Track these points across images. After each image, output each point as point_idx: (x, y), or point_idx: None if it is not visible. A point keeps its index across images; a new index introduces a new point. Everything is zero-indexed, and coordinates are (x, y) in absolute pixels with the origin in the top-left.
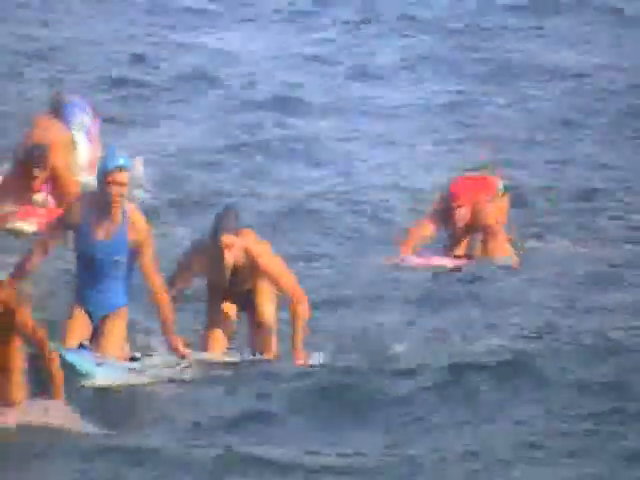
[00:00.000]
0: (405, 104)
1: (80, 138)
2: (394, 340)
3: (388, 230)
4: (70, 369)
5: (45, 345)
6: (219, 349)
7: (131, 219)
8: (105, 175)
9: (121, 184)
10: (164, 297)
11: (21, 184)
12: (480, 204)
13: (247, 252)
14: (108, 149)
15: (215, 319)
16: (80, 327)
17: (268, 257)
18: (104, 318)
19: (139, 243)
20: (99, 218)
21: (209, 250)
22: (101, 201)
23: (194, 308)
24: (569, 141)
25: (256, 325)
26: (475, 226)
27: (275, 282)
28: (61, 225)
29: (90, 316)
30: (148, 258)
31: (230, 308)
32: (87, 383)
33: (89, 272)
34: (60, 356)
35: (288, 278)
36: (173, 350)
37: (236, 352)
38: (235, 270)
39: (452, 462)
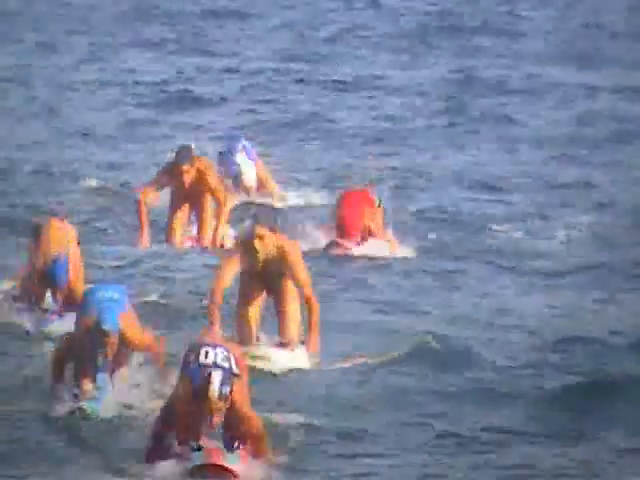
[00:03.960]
0: None
1: (246, 167)
2: None
3: None
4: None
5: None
6: (250, 333)
7: None
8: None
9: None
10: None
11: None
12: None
13: (279, 248)
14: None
15: (246, 302)
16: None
17: (296, 256)
18: None
19: None
20: None
21: (245, 242)
22: None
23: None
24: None
25: (281, 313)
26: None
27: (295, 276)
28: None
29: None
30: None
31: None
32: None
33: None
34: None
35: (306, 276)
36: None
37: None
38: (266, 261)
39: None
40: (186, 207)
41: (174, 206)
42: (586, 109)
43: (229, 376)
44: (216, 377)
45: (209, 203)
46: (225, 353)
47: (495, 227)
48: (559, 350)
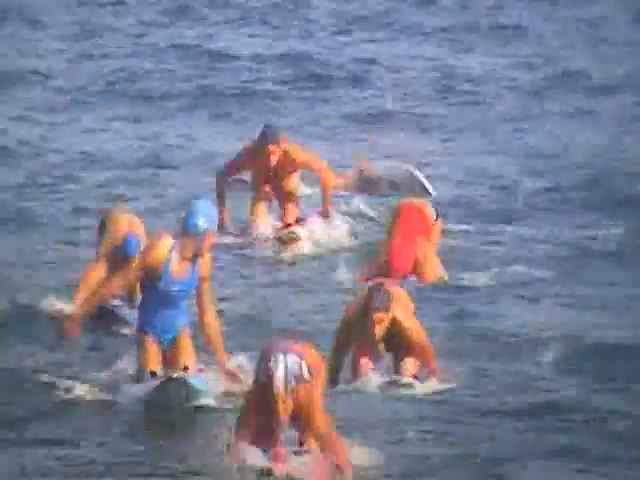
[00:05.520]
0: None
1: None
2: None
3: None
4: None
5: (335, 446)
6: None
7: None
8: (189, 235)
9: (204, 247)
10: (216, 322)
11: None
12: (419, 255)
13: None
14: (192, 206)
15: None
16: (153, 355)
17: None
18: (172, 339)
19: (203, 276)
20: (180, 260)
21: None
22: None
23: None
24: None
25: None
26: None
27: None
28: (144, 264)
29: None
30: (207, 287)
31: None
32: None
33: (160, 303)
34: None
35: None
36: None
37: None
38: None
39: None
40: (268, 193)
41: (257, 191)
42: None
43: (296, 375)
44: (280, 369)
45: (294, 186)
46: (296, 359)
47: None
48: None
